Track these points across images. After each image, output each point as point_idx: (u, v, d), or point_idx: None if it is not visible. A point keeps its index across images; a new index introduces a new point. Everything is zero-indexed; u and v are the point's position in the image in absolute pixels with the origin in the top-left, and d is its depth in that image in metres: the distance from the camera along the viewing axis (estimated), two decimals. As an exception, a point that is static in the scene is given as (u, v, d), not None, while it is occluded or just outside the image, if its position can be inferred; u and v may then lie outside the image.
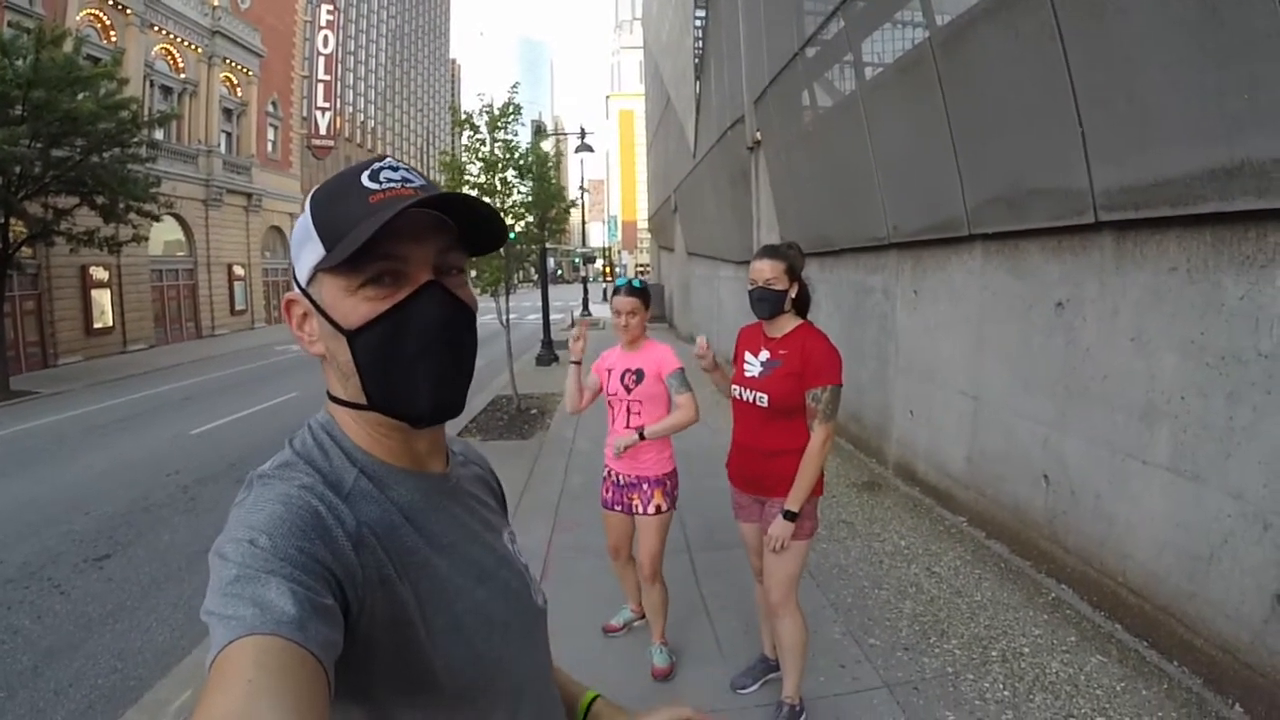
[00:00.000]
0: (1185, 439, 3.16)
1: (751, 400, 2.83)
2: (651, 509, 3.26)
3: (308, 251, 0.79)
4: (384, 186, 0.77)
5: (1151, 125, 3.15)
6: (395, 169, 0.80)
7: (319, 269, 0.78)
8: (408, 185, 0.79)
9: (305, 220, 0.80)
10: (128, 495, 7.37)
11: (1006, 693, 3.08)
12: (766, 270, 2.77)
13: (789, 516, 2.67)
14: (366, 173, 0.79)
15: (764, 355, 2.84)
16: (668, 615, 3.45)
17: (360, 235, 0.73)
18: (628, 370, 3.27)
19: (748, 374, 2.87)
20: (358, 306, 0.77)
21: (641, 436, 3.19)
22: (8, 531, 6.45)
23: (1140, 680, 3.13)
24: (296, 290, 0.82)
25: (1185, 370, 3.15)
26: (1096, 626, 3.58)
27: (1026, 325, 4.24)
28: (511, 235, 10.65)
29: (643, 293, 3.27)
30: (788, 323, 2.85)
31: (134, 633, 4.39)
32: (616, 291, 3.28)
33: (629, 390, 3.25)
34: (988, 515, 4.70)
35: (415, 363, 0.78)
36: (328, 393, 0.85)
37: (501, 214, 8.21)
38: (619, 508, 3.37)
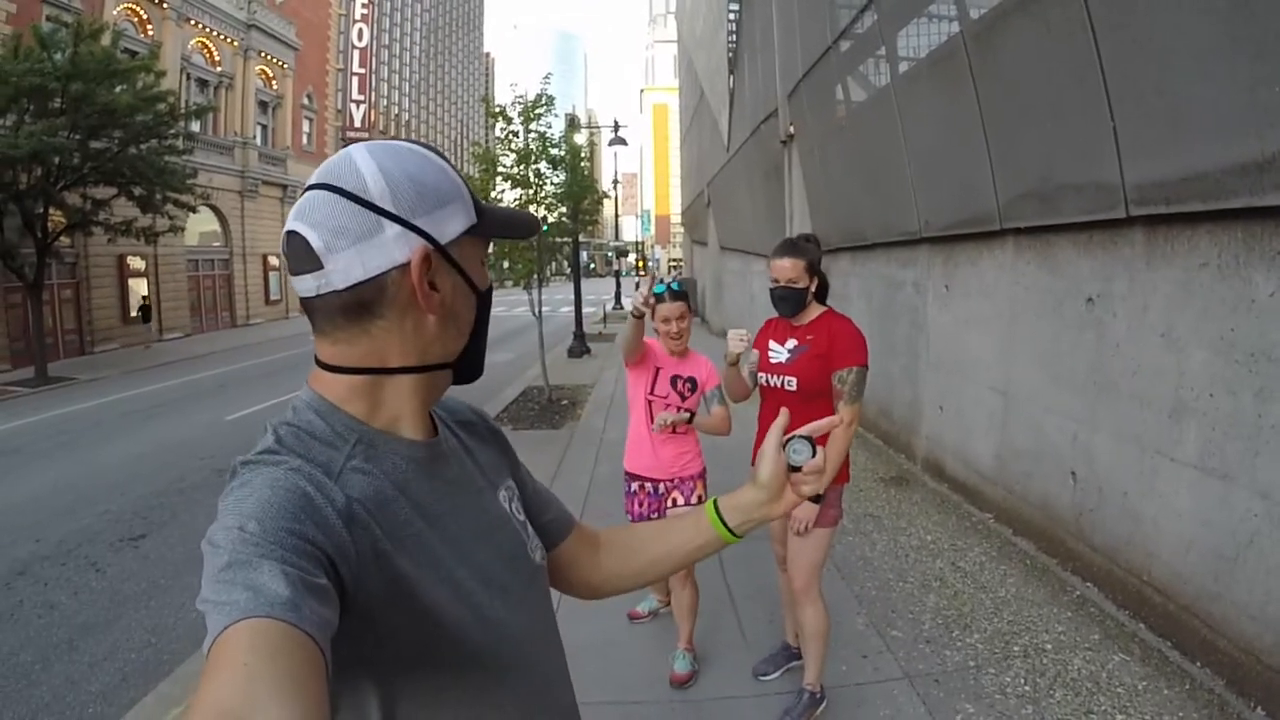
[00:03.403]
0: (1213, 436, 3.13)
1: (780, 385, 2.86)
2: (695, 499, 3.26)
3: (455, 213, 0.82)
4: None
5: (1182, 119, 3.12)
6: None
7: (468, 232, 0.83)
8: None
9: (452, 180, 0.83)
10: (163, 478, 7.59)
11: (1027, 688, 3.09)
12: (788, 269, 2.80)
13: (814, 499, 2.68)
14: (447, 163, 0.85)
15: (791, 343, 2.88)
16: (696, 618, 3.38)
17: (530, 224, 0.94)
18: (680, 377, 3.26)
19: (774, 360, 2.90)
20: (483, 273, 0.88)
21: (691, 419, 3.20)
22: (46, 511, 6.69)
23: (1162, 680, 3.11)
24: (431, 246, 0.80)
25: (1214, 367, 3.11)
26: (1120, 625, 3.56)
27: (1057, 321, 4.22)
28: (544, 227, 10.73)
29: (684, 294, 3.27)
30: (812, 311, 2.89)
31: (167, 610, 4.54)
32: (659, 299, 3.19)
33: (683, 398, 3.25)
34: (1015, 512, 4.68)
35: (486, 329, 0.91)
36: (331, 368, 0.82)
37: (533, 204, 8.35)
38: (654, 515, 3.30)
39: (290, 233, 0.79)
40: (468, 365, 0.90)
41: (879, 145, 6.57)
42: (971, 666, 3.26)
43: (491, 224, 0.87)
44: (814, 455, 1.01)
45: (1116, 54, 3.40)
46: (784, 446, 1.01)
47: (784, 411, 1.07)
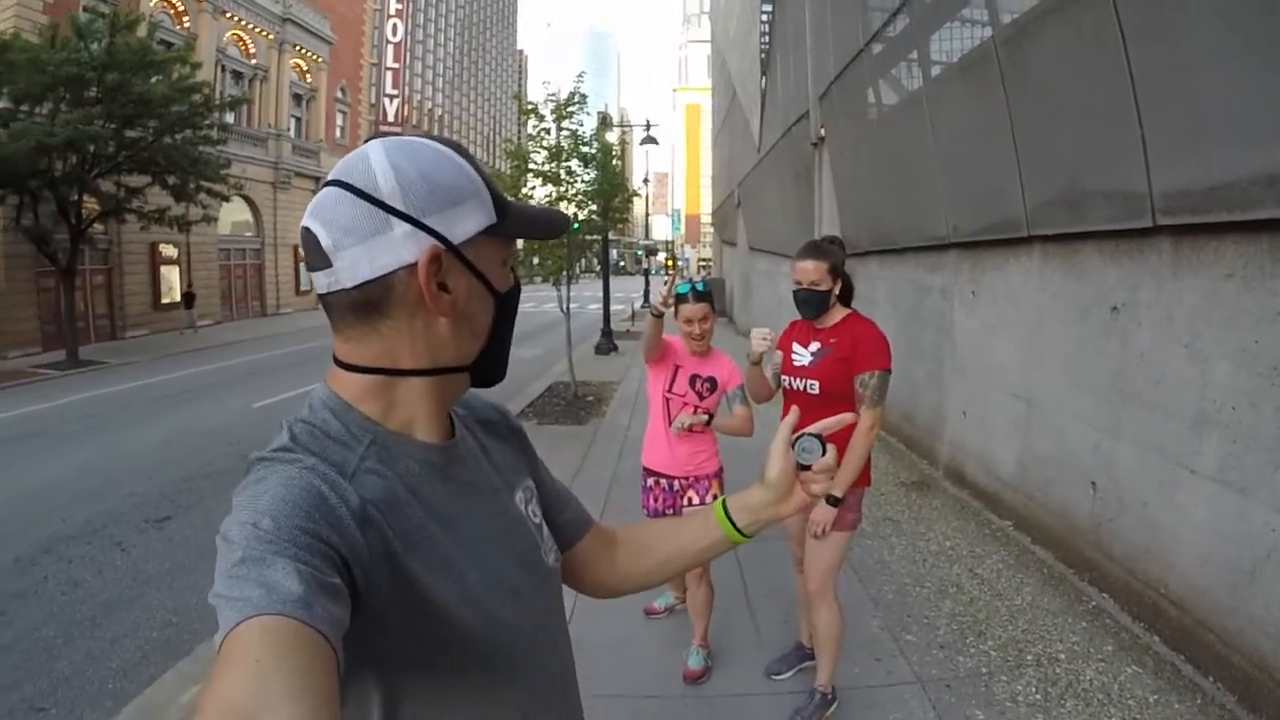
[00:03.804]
0: (1234, 449, 3.10)
1: (802, 388, 2.87)
2: (710, 498, 3.25)
3: (471, 212, 0.80)
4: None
5: (1210, 128, 3.10)
6: None
7: (486, 232, 0.81)
8: None
9: (470, 178, 0.81)
10: (190, 463, 7.75)
11: (1038, 696, 3.09)
12: (811, 272, 2.82)
13: (832, 501, 2.71)
14: (468, 161, 0.83)
15: (814, 346, 2.89)
16: (711, 616, 3.40)
17: (558, 224, 0.93)
18: (699, 377, 3.24)
19: (797, 364, 2.92)
20: (504, 274, 0.86)
21: (709, 422, 3.19)
22: (73, 492, 6.86)
23: (1174, 694, 3.10)
24: (441, 245, 0.78)
25: (1237, 379, 3.09)
26: (1135, 637, 3.54)
27: (1082, 328, 4.19)
28: (574, 224, 10.82)
29: (709, 295, 3.25)
30: (836, 314, 2.91)
31: (190, 591, 4.66)
32: (682, 299, 3.18)
33: (701, 397, 3.23)
34: (1034, 520, 4.66)
35: (507, 334, 0.89)
36: (346, 366, 0.82)
37: (564, 201, 8.43)
38: (670, 511, 3.33)
39: (304, 228, 0.79)
40: (486, 369, 0.88)
41: (909, 149, 6.55)
42: (984, 673, 3.27)
43: (514, 224, 0.84)
44: (824, 454, 0.99)
45: (1146, 62, 3.38)
46: (793, 445, 1.00)
47: (794, 410, 1.06)
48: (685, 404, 3.23)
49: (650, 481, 3.37)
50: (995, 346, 5.27)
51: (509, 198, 0.85)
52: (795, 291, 2.89)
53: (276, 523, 0.66)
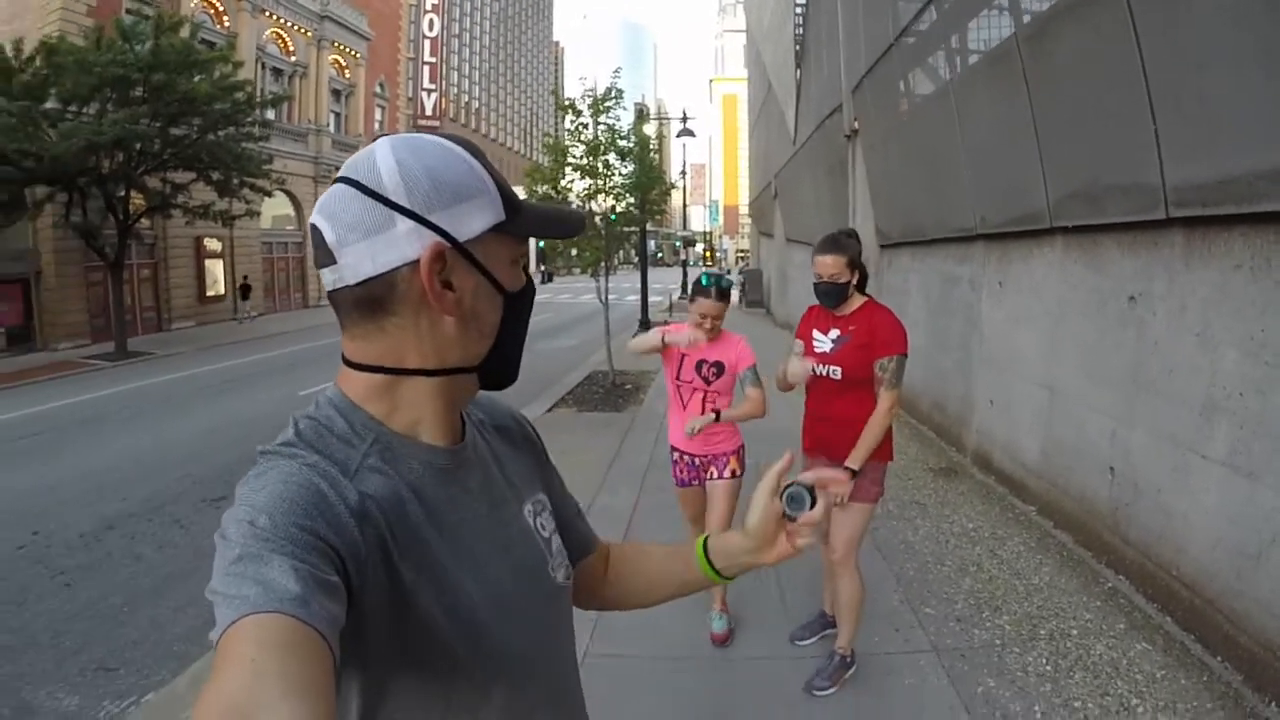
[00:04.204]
0: (1242, 435, 3.22)
1: (825, 374, 3.05)
2: (727, 473, 3.42)
3: (479, 209, 0.79)
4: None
5: (1219, 124, 3.21)
6: None
7: (495, 229, 0.80)
8: None
9: (478, 176, 0.80)
10: (241, 447, 8.06)
11: (1049, 668, 3.25)
12: (830, 265, 2.99)
13: (849, 474, 2.89)
14: (477, 159, 0.81)
15: (834, 333, 3.08)
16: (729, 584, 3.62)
17: (573, 224, 0.92)
18: (705, 362, 3.30)
19: (819, 349, 3.10)
20: (514, 273, 0.83)
21: (717, 418, 3.28)
22: (130, 474, 7.27)
23: (1181, 671, 3.23)
24: (446, 243, 0.77)
25: (1245, 367, 3.21)
26: (1147, 617, 3.67)
27: (1101, 319, 4.31)
28: (612, 216, 11.05)
29: (728, 293, 3.30)
30: (854, 302, 3.08)
31: (248, 565, 5.01)
32: (702, 291, 3.23)
33: (708, 382, 3.31)
34: (1056, 505, 4.79)
35: (520, 334, 0.87)
36: (351, 365, 0.82)
37: (602, 194, 8.63)
38: (695, 482, 3.52)
39: (312, 225, 0.79)
40: (495, 370, 0.86)
41: (938, 142, 6.66)
42: (997, 645, 3.44)
43: (526, 223, 0.83)
44: (812, 506, 0.94)
45: (1159, 60, 3.50)
46: (781, 493, 0.95)
47: (786, 454, 0.99)
48: (695, 390, 3.35)
49: (676, 455, 3.54)
50: (1020, 337, 5.38)
51: (524, 197, 0.91)
52: (816, 284, 3.06)
53: (274, 520, 0.67)
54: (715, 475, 3.46)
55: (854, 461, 2.90)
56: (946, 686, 3.13)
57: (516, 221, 0.82)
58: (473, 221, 0.78)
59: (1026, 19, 4.85)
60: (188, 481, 6.93)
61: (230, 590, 0.62)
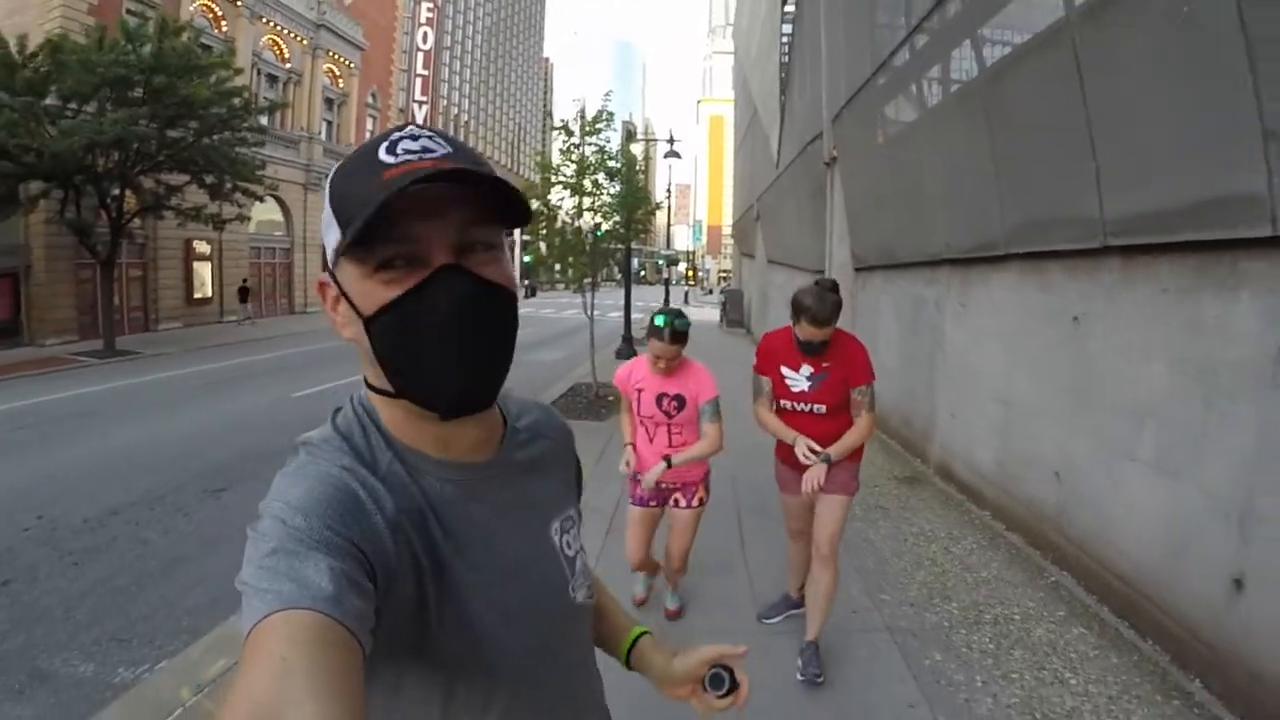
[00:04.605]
0: (1166, 440, 3.61)
1: (808, 410, 3.21)
2: (695, 501, 3.50)
3: (330, 233, 0.76)
4: (400, 160, 0.73)
5: (1148, 163, 3.64)
6: (415, 138, 0.75)
7: (338, 252, 0.75)
8: (427, 157, 0.73)
9: (337, 193, 0.76)
10: (237, 444, 8.29)
11: (991, 646, 3.61)
12: (823, 335, 3.09)
13: (825, 460, 3.02)
14: (384, 145, 0.74)
15: (807, 369, 3.20)
16: (675, 575, 3.80)
17: (358, 219, 0.70)
18: (665, 395, 3.27)
19: (795, 389, 3.22)
20: (374, 291, 0.74)
21: (668, 465, 3.26)
22: (129, 467, 7.40)
23: (1113, 651, 3.58)
24: (326, 273, 0.79)
25: (1170, 380, 3.60)
26: (1086, 607, 4.03)
27: (1049, 337, 4.71)
28: (599, 234, 11.40)
29: (684, 336, 3.23)
30: None
31: (251, 550, 5.21)
32: (656, 333, 3.19)
33: (669, 416, 3.28)
34: (1009, 510, 5.17)
35: (431, 352, 0.75)
36: (364, 378, 0.83)
37: (589, 213, 8.95)
38: (654, 504, 3.54)
39: None
40: (414, 396, 0.78)
41: (909, 172, 7.11)
42: (946, 626, 3.79)
43: (349, 233, 0.72)
44: (728, 691, 1.00)
45: (1099, 103, 3.92)
46: (709, 671, 1.01)
47: (743, 649, 1.04)
48: (658, 424, 3.33)
49: (638, 476, 3.49)
50: (980, 355, 5.79)
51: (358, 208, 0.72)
52: (805, 343, 3.15)
53: (308, 520, 0.67)
54: (683, 503, 3.52)
55: (833, 453, 3.05)
56: (898, 660, 3.48)
57: (345, 235, 0.73)
58: (329, 247, 0.77)
59: (989, 62, 5.28)
60: (187, 474, 7.07)
61: (262, 584, 0.62)
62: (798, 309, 3.10)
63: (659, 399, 3.27)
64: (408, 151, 0.73)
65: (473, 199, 0.73)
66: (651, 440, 3.36)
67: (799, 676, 3.28)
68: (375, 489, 0.74)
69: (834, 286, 3.13)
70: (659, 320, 3.18)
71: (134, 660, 3.84)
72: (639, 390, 3.31)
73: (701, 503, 3.52)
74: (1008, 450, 5.28)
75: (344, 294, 0.77)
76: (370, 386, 0.82)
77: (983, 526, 5.25)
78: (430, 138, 0.75)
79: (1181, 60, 3.33)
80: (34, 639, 4.05)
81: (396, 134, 0.76)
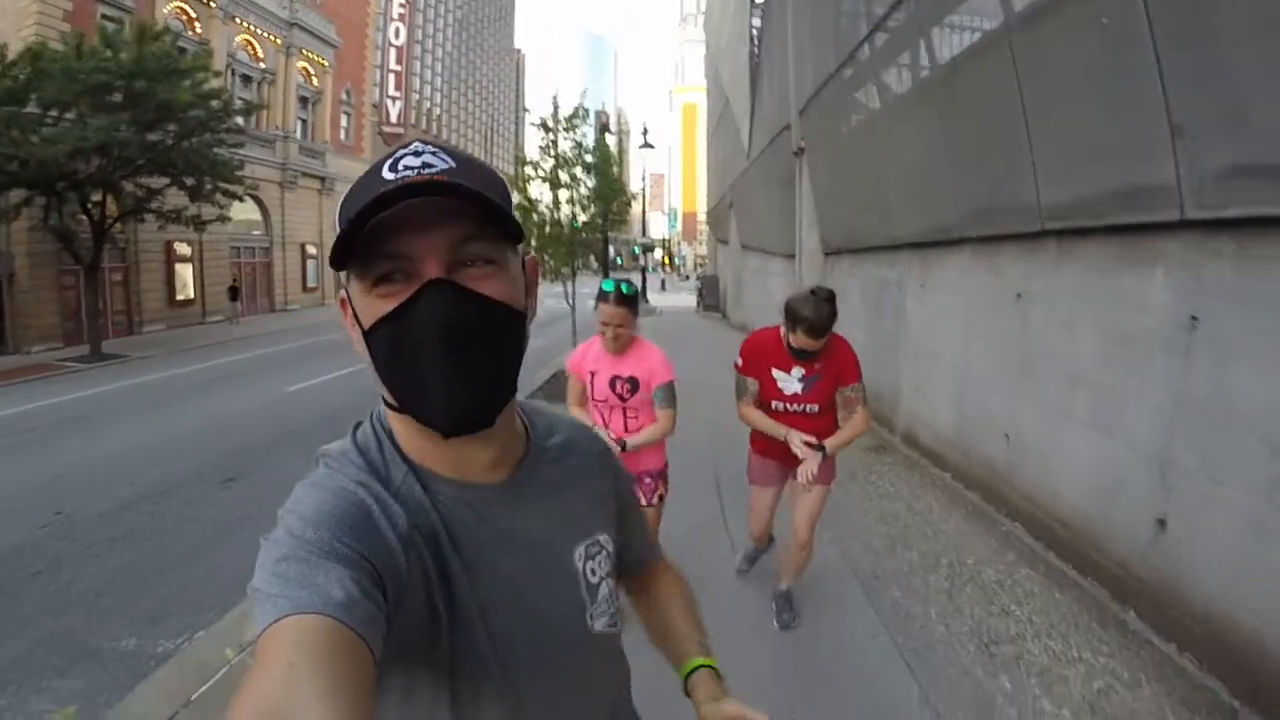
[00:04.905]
0: (1097, 401, 4.08)
1: (802, 410, 3.26)
2: (655, 499, 3.35)
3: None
4: (398, 176, 0.72)
5: (1077, 156, 4.09)
6: (418, 154, 0.75)
7: (333, 265, 0.75)
8: (425, 172, 0.73)
9: (350, 206, 0.73)
10: (237, 438, 8.50)
11: (946, 584, 4.08)
12: (819, 345, 3.12)
13: (820, 449, 3.12)
14: (389, 162, 0.75)
15: (798, 371, 3.24)
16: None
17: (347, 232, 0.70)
18: (619, 378, 3.16)
19: (787, 391, 3.27)
20: (373, 305, 0.74)
21: (624, 449, 3.09)
22: (133, 463, 7.58)
23: (1056, 588, 4.04)
24: (344, 290, 0.78)
25: (1099, 348, 4.06)
26: (1034, 552, 4.50)
27: (998, 313, 5.18)
28: (575, 224, 11.74)
29: (632, 300, 3.13)
30: None
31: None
32: (603, 296, 3.08)
33: (623, 399, 3.18)
34: (967, 471, 5.65)
35: (422, 370, 0.74)
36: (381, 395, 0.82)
37: (568, 205, 9.27)
38: None
39: None
40: (417, 414, 0.77)
41: (872, 162, 7.56)
42: (905, 570, 4.27)
43: (340, 250, 0.72)
44: None
45: (1035, 102, 4.37)
46: None
47: (764, 716, 0.92)
48: (613, 408, 3.22)
49: None
50: (938, 331, 6.27)
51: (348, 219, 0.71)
52: (799, 350, 3.18)
53: (319, 534, 0.68)
54: (646, 500, 3.38)
55: (829, 445, 3.14)
56: (861, 597, 3.95)
57: (339, 254, 0.73)
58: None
59: (941, 62, 5.73)
60: (193, 468, 7.24)
61: (273, 589, 0.63)
62: (794, 318, 3.09)
63: (612, 382, 3.18)
64: (407, 167, 0.73)
65: (471, 213, 0.72)
66: (607, 425, 3.25)
67: (774, 624, 3.63)
68: (388, 504, 0.75)
69: (830, 296, 3.09)
70: (606, 285, 3.11)
71: (172, 633, 4.09)
72: (592, 373, 3.23)
73: (661, 499, 3.40)
74: (964, 416, 5.75)
75: (351, 309, 0.77)
76: (385, 402, 0.81)
77: (944, 486, 5.73)
78: (434, 153, 0.75)
79: (1102, 65, 3.78)
80: (72, 621, 4.27)
81: (401, 150, 0.76)
